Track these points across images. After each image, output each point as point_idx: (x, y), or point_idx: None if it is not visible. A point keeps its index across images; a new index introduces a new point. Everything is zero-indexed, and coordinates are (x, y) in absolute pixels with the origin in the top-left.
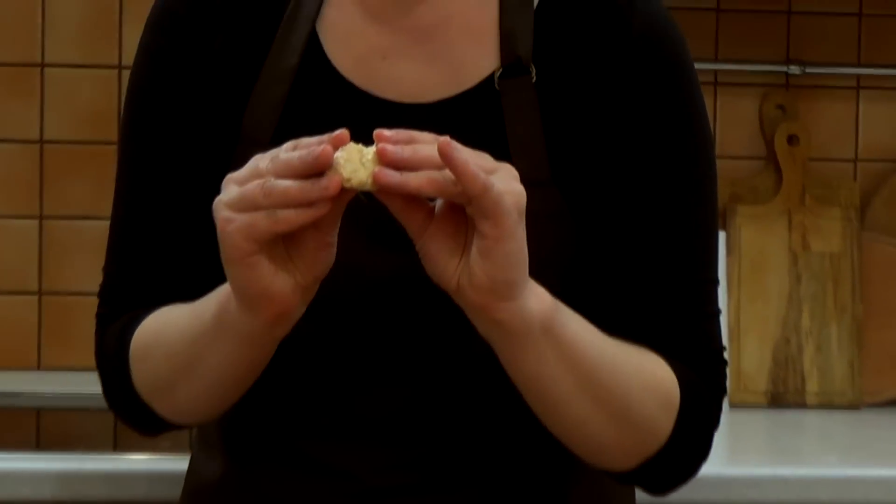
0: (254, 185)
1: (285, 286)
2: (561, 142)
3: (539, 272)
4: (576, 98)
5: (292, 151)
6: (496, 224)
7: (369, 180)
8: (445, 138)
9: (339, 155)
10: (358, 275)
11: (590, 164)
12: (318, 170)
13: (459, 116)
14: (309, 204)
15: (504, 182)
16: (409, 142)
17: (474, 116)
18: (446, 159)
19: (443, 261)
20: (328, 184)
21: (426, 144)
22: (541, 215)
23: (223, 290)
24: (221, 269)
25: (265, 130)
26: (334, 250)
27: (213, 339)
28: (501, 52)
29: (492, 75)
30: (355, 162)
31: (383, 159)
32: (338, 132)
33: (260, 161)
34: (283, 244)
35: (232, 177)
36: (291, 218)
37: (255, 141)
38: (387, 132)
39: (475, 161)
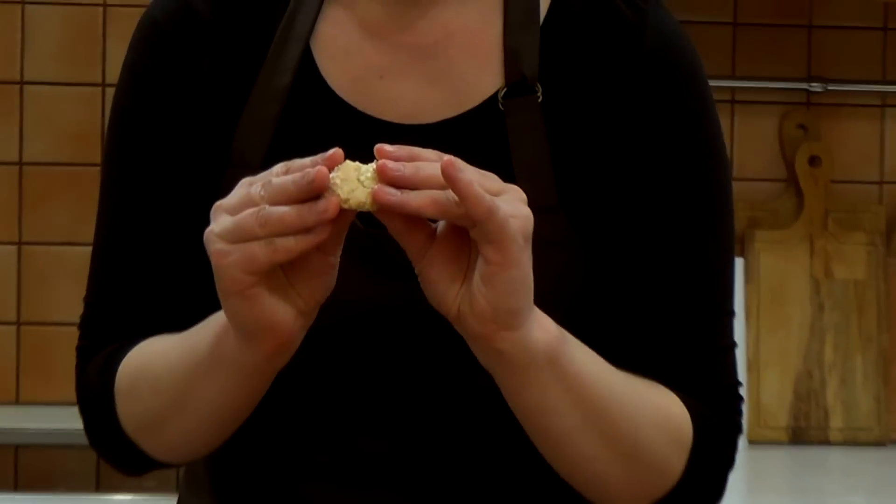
0: (248, 214)
1: (287, 315)
2: (568, 165)
3: (545, 302)
4: (584, 118)
5: (285, 175)
6: (500, 249)
7: (368, 200)
8: (449, 157)
9: (335, 175)
10: (354, 305)
11: (599, 189)
12: (314, 193)
13: (461, 138)
14: (308, 229)
15: (510, 205)
16: (412, 159)
17: (477, 138)
18: (450, 180)
19: (443, 286)
20: (326, 206)
21: (429, 162)
22: (547, 243)
23: (218, 322)
24: (210, 298)
25: (256, 153)
26: (336, 272)
27: (209, 373)
28: (505, 70)
29: (495, 95)
30: (353, 181)
31: (383, 177)
32: (331, 151)
33: (251, 187)
34: (281, 270)
35: (222, 205)
36: (291, 246)
37: (245, 164)
38: (388, 147)
39: (481, 182)
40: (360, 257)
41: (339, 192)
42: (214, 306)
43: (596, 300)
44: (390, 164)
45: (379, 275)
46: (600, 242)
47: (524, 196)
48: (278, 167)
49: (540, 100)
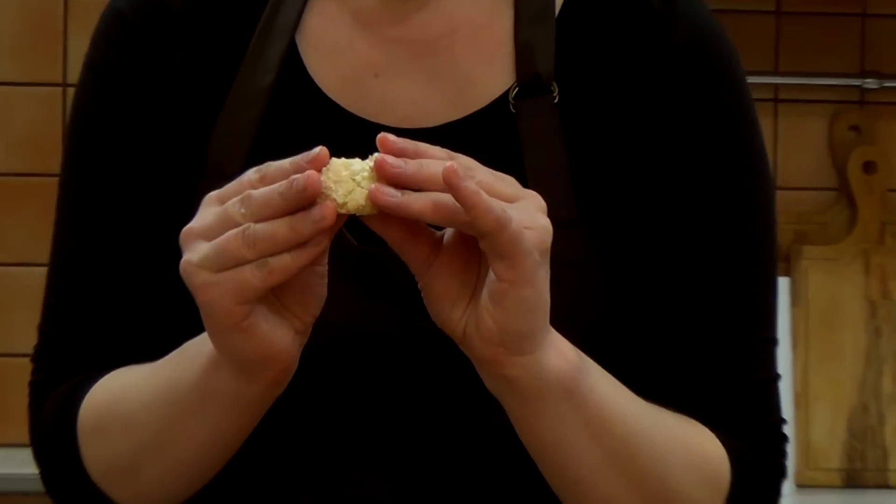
0: (231, 237)
1: (286, 339)
2: (589, 173)
3: (563, 326)
4: (606, 121)
5: (263, 184)
6: (512, 265)
7: (368, 203)
8: (452, 163)
9: (325, 176)
10: (348, 333)
11: (623, 200)
12: (306, 202)
13: (467, 143)
14: (303, 243)
15: (526, 214)
16: (417, 155)
17: (485, 143)
18: (452, 188)
19: (449, 303)
20: (322, 214)
21: (436, 161)
22: (566, 261)
23: (204, 354)
24: (183, 324)
25: (234, 162)
26: (326, 281)
27: (196, 410)
28: (517, 67)
29: (505, 95)
30: (347, 182)
31: (382, 173)
32: (316, 151)
33: (226, 205)
34: (271, 290)
35: (193, 230)
36: (287, 264)
37: (221, 175)
38: (392, 138)
39: (492, 187)
40: (354, 279)
41: (334, 195)
42: (187, 333)
43: (620, 324)
44: (390, 159)
45: (375, 299)
46: (625, 260)
47: (543, 204)
48: (250, 175)
49: (556, 100)
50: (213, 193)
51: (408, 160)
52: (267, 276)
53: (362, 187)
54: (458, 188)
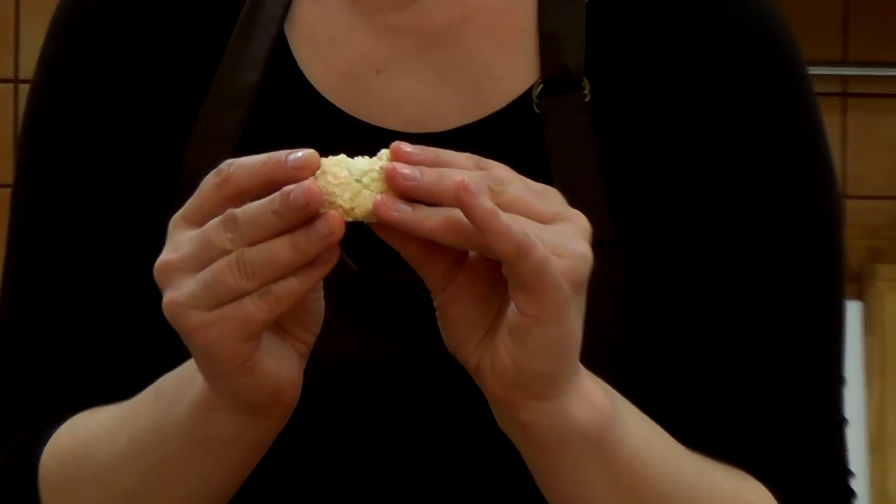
0: (223, 267)
1: (292, 369)
2: (626, 184)
3: (594, 362)
4: (645, 122)
5: (231, 190)
6: (536, 299)
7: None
8: (464, 177)
9: (324, 181)
10: (348, 373)
11: (666, 215)
12: (307, 217)
13: (484, 149)
14: (309, 262)
15: (561, 239)
16: (436, 164)
17: (504, 150)
18: (464, 208)
19: (464, 329)
20: (330, 228)
21: (458, 171)
22: (600, 286)
23: (193, 398)
24: (157, 357)
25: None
26: (322, 293)
27: (185, 458)
28: (542, 60)
29: (528, 93)
30: (351, 184)
31: (393, 185)
32: (305, 155)
33: (207, 229)
34: None
35: (171, 263)
36: (295, 289)
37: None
38: (407, 149)
39: (529, 204)
40: (354, 310)
41: (339, 200)
42: (162, 367)
43: (661, 359)
44: (402, 168)
45: (379, 333)
46: (667, 284)
47: (587, 227)
48: (209, 183)
49: (587, 98)
50: (179, 215)
51: (424, 169)
52: (274, 306)
53: (371, 190)
54: (471, 207)
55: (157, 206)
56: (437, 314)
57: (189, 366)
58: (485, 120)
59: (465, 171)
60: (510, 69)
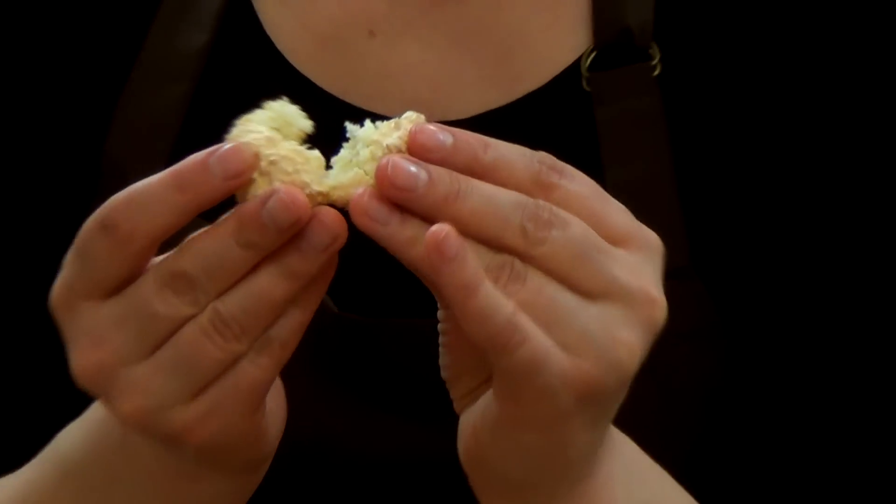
0: (195, 340)
1: (281, 402)
2: (708, 190)
3: (656, 437)
4: (735, 105)
5: (120, 238)
6: (516, 400)
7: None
8: (441, 227)
9: (291, 168)
10: (324, 454)
11: (759, 234)
12: (293, 232)
13: (513, 142)
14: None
15: (597, 328)
16: (471, 164)
17: (542, 141)
18: (434, 272)
19: (458, 367)
20: (330, 232)
21: (482, 185)
22: (670, 332)
23: (157, 470)
24: (61, 402)
25: (148, 163)
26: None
27: None
28: (594, 21)
29: (576, 64)
30: (314, 167)
31: (380, 184)
32: (229, 153)
33: (146, 301)
34: None
35: (104, 361)
36: (299, 322)
37: (126, 182)
38: (427, 134)
39: (584, 248)
40: (332, 364)
41: (306, 177)
42: (76, 408)
43: (745, 420)
44: (399, 168)
45: (363, 400)
46: (759, 327)
47: (655, 298)
48: (100, 245)
49: (657, 71)
50: (67, 289)
51: (436, 174)
52: (280, 356)
53: (366, 171)
54: (440, 272)
55: (74, 208)
56: (439, 328)
57: (108, 432)
58: (516, 103)
59: (497, 192)
60: (551, 32)
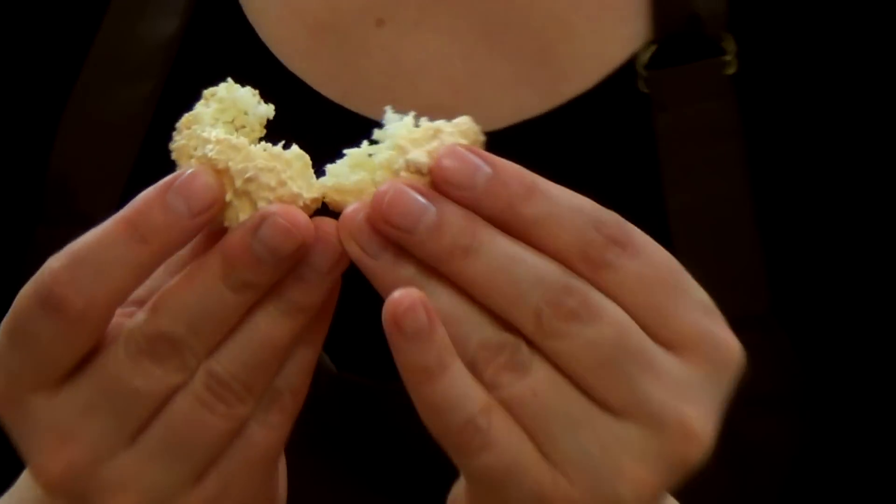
0: (191, 413)
1: (283, 471)
2: (792, 219)
3: None
4: (827, 109)
5: (77, 284)
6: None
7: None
8: (402, 298)
9: (254, 179)
10: None
11: (855, 276)
12: (296, 261)
13: (554, 159)
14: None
15: (619, 451)
16: (527, 196)
17: (590, 158)
18: (388, 339)
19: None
20: (332, 252)
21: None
22: (749, 399)
23: None
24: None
25: (104, 185)
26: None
27: None
28: (654, 7)
29: (631, 62)
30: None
31: (373, 216)
32: (185, 180)
33: (120, 379)
34: None
35: (77, 464)
36: (307, 363)
37: (73, 213)
38: (455, 162)
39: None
40: (330, 437)
41: (308, 193)
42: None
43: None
44: (401, 196)
45: (365, 482)
46: (849, 388)
47: (695, 438)
48: (45, 330)
49: (732, 69)
50: (18, 382)
51: (445, 214)
52: (292, 409)
53: (375, 179)
54: (393, 347)
55: (11, 241)
56: None
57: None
58: (558, 111)
59: (520, 256)
60: (601, 22)
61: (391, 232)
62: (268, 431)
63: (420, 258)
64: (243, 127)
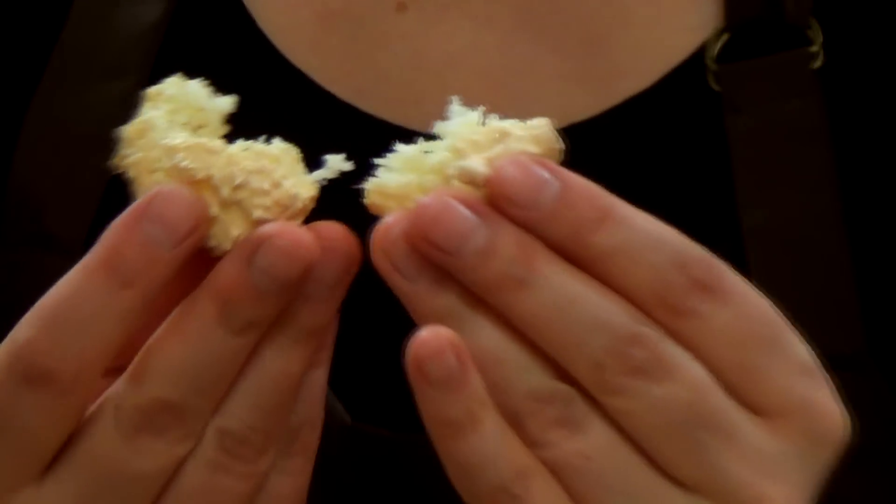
0: (202, 477)
1: None
2: (892, 244)
3: None
4: None
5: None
6: None
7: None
8: (426, 339)
9: (243, 186)
10: None
11: None
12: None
13: (609, 170)
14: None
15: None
16: (600, 223)
17: (652, 166)
18: (413, 384)
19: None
20: (339, 265)
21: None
22: (849, 457)
23: None
24: None
25: (77, 202)
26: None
27: None
28: None
29: (699, 54)
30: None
31: (412, 234)
32: (161, 204)
33: (122, 460)
34: None
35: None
36: (320, 388)
37: (38, 235)
38: (519, 174)
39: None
40: (338, 495)
41: (306, 191)
42: None
43: None
44: (448, 210)
45: None
46: None
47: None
48: (23, 405)
49: (818, 63)
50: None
51: (500, 237)
52: (311, 443)
53: (422, 184)
54: (418, 394)
55: None
56: None
57: None
58: (613, 111)
59: (583, 296)
60: (665, 7)
61: (432, 252)
62: (290, 479)
63: (464, 285)
64: (201, 127)
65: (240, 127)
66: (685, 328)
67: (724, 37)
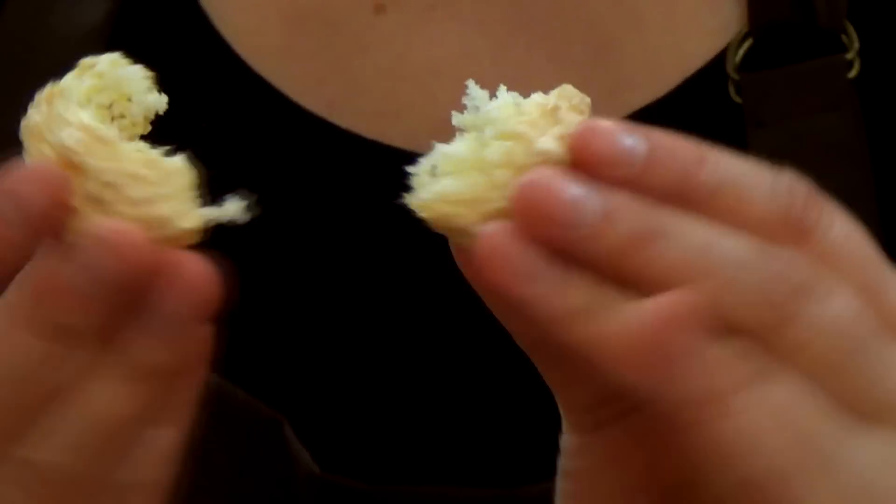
0: None
1: None
2: None
3: None
4: None
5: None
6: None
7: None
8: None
9: (114, 185)
10: None
11: None
12: (131, 298)
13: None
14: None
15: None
16: (699, 162)
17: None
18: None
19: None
20: (198, 292)
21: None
22: None
23: None
24: None
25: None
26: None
27: None
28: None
29: (719, 60)
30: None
31: (520, 209)
32: (19, 176)
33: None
34: None
35: None
36: (162, 453)
37: None
38: (609, 130)
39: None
40: None
41: (184, 221)
42: None
43: None
44: (555, 185)
45: None
46: None
47: None
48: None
49: (854, 72)
50: None
51: (612, 199)
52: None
53: (495, 186)
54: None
55: None
56: (559, 471)
57: None
58: (634, 117)
59: (717, 237)
60: (680, 9)
61: (554, 232)
62: None
63: (591, 262)
64: (122, 117)
65: (194, 140)
66: (814, 246)
67: (748, 42)
